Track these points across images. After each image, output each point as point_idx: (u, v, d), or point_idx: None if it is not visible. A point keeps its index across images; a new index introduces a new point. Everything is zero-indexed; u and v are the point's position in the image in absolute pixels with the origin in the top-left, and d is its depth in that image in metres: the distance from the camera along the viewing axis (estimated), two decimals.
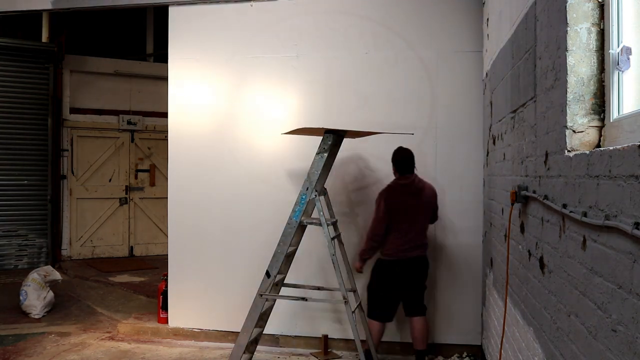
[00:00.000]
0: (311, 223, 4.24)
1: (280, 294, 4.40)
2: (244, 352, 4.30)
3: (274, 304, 4.48)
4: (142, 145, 9.32)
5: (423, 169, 4.78)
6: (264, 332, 4.94)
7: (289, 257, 4.40)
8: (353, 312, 4.07)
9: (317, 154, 4.20)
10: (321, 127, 4.89)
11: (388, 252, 4.33)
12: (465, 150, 4.74)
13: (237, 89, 5.17)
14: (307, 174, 4.22)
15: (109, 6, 5.63)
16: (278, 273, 4.27)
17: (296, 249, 4.43)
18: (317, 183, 4.17)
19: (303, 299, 4.33)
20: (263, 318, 4.41)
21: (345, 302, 3.98)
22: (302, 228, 4.33)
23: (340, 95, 4.97)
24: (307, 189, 4.18)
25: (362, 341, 4.24)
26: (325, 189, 4.49)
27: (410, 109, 4.82)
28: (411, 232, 4.34)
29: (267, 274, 4.20)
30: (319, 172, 4.17)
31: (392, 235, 4.32)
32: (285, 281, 4.43)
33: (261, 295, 4.17)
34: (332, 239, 4.17)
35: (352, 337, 4.77)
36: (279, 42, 5.08)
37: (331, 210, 4.52)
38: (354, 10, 4.94)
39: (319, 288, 4.52)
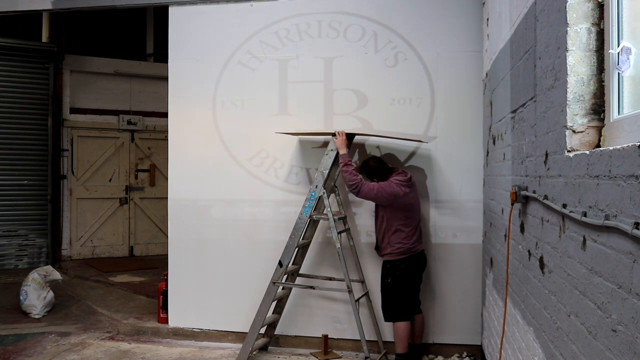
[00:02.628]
0: (320, 218, 4.61)
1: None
2: (263, 336, 4.87)
3: (289, 292, 4.88)
4: (142, 145, 9.31)
5: (423, 169, 4.79)
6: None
7: (303, 249, 4.79)
8: (357, 300, 4.37)
9: (326, 154, 4.54)
10: (320, 128, 4.93)
11: (399, 251, 4.34)
12: (465, 150, 4.74)
13: (237, 89, 5.17)
14: (317, 172, 4.56)
15: (109, 6, 5.63)
16: (293, 264, 4.70)
17: (309, 242, 4.78)
18: (325, 181, 4.49)
19: (311, 287, 4.64)
20: (280, 305, 4.87)
21: (349, 291, 4.34)
22: (313, 222, 4.72)
23: (340, 95, 4.97)
24: (317, 186, 4.52)
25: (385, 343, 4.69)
26: (336, 186, 4.75)
27: (410, 109, 4.82)
28: (416, 226, 4.41)
29: (280, 263, 4.55)
30: (328, 171, 4.50)
31: (400, 232, 4.34)
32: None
33: (274, 283, 4.53)
34: (339, 232, 4.48)
35: (352, 337, 4.81)
36: (279, 42, 5.08)
37: (341, 206, 4.79)
38: (354, 10, 4.94)
39: (330, 278, 4.69)
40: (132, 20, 9.28)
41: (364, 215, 4.90)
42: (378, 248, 4.53)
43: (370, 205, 4.74)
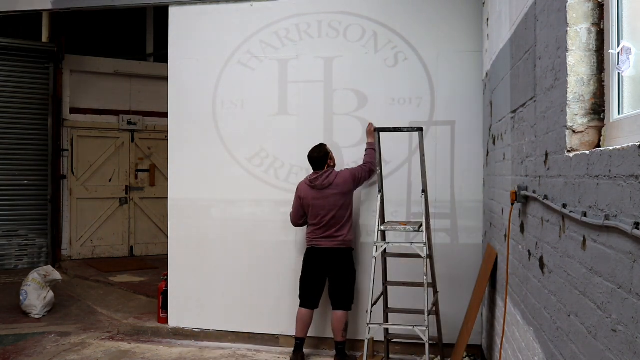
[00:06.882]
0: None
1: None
2: None
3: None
4: (142, 145, 9.31)
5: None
6: (264, 332, 4.97)
7: None
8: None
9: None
10: (320, 128, 4.92)
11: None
12: (465, 151, 4.74)
13: (237, 89, 5.17)
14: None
15: (109, 6, 5.63)
16: None
17: None
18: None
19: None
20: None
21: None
22: None
23: (340, 95, 4.97)
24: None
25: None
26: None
27: (410, 109, 4.82)
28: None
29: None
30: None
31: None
32: None
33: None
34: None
35: (352, 337, 4.80)
36: (279, 42, 5.08)
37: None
38: (354, 10, 4.94)
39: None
40: (132, 20, 9.28)
41: (364, 215, 4.89)
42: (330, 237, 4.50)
43: (370, 204, 4.74)
